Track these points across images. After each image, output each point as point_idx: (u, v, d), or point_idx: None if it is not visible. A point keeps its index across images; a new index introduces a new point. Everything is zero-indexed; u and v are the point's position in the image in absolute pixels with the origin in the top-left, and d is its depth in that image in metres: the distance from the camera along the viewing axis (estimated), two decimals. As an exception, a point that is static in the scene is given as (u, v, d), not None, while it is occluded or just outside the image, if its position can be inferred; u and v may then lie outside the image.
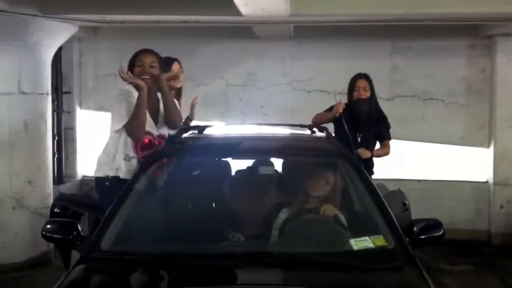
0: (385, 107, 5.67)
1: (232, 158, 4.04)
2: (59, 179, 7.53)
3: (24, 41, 5.97)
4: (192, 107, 4.96)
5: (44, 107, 6.27)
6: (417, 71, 7.50)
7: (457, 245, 6.63)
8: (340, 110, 5.23)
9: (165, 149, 4.03)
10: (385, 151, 5.43)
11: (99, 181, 4.22)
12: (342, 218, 3.39)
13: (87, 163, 7.52)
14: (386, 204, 3.30)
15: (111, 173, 4.13)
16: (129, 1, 5.63)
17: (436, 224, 3.23)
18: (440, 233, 3.21)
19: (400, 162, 7.11)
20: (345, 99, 5.53)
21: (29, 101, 6.08)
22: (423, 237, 3.16)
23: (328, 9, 5.80)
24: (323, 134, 4.30)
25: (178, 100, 4.76)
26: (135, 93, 4.09)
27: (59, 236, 3.23)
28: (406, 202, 4.77)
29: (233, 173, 4.19)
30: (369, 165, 5.20)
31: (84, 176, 7.87)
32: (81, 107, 7.94)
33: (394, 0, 5.73)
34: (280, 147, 3.92)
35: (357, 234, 3.14)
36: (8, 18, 5.64)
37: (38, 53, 6.16)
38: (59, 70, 7.54)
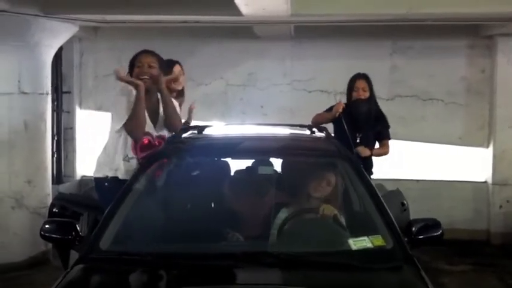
0: (385, 107, 5.67)
1: (232, 158, 4.05)
2: (58, 179, 7.53)
3: (25, 41, 5.97)
4: (190, 111, 4.97)
5: (44, 107, 6.27)
6: (417, 71, 7.50)
7: (456, 245, 6.63)
8: (340, 110, 5.23)
9: (164, 149, 4.03)
10: (384, 151, 5.43)
11: (98, 181, 4.23)
12: (341, 218, 3.40)
13: (87, 163, 7.51)
14: (385, 204, 3.31)
15: (110, 174, 4.13)
16: (129, 1, 5.64)
17: (434, 224, 3.24)
18: (439, 232, 3.22)
19: (399, 162, 7.11)
20: (345, 99, 5.53)
21: (28, 101, 6.08)
22: (422, 237, 3.16)
23: (328, 9, 5.80)
24: (322, 134, 4.30)
25: (181, 101, 4.77)
26: (135, 93, 4.10)
27: (58, 236, 3.24)
28: (405, 202, 4.77)
29: (232, 173, 4.19)
30: (368, 165, 5.20)
31: (83, 176, 7.86)
32: (81, 107, 7.94)
33: (394, 0, 5.73)
34: (280, 147, 3.92)
35: (356, 234, 3.14)
36: (9, 18, 5.64)
37: (38, 53, 6.17)
38: (59, 70, 7.54)
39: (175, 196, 3.80)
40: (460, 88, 7.51)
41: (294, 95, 7.66)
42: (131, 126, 4.06)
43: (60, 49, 6.99)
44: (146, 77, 4.13)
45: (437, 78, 7.48)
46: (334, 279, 2.83)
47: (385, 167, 6.29)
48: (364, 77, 5.37)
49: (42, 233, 3.22)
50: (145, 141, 4.14)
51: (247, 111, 7.66)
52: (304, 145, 4.11)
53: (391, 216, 3.23)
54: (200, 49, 7.56)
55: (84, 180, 7.72)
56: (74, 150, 7.86)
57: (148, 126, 4.15)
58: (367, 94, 5.33)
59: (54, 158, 7.34)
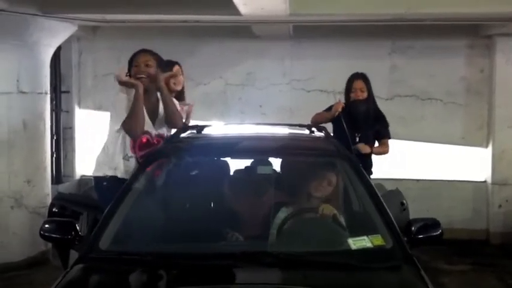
0: (384, 106, 5.67)
1: (231, 158, 4.04)
2: (57, 179, 7.53)
3: (24, 40, 5.97)
4: (188, 112, 4.97)
5: (43, 107, 6.27)
6: (416, 71, 7.51)
7: (455, 245, 6.64)
8: (340, 109, 5.23)
9: (163, 149, 4.03)
10: (383, 149, 5.43)
11: (98, 180, 4.23)
12: (341, 217, 3.40)
13: (86, 162, 7.51)
14: (384, 204, 3.31)
15: (109, 173, 4.13)
16: (129, 1, 5.63)
17: (434, 224, 3.24)
18: (438, 232, 3.22)
19: (399, 161, 7.11)
20: (343, 99, 5.52)
21: (27, 101, 6.08)
22: (421, 236, 3.16)
23: (327, 9, 5.80)
24: (322, 134, 4.30)
25: (183, 104, 4.78)
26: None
27: (57, 236, 3.24)
28: (404, 202, 4.78)
29: (232, 173, 4.19)
30: (368, 165, 5.20)
31: (82, 176, 7.86)
32: (80, 107, 7.93)
33: (394, 0, 5.73)
34: (279, 147, 3.92)
35: (355, 233, 3.14)
36: (7, 18, 5.63)
37: (37, 52, 6.16)
38: (58, 69, 7.54)
39: (175, 196, 3.80)
40: (460, 88, 7.51)
41: (293, 94, 7.66)
42: (130, 125, 4.06)
43: (59, 49, 6.98)
44: (143, 76, 4.13)
45: (436, 78, 7.49)
46: (334, 278, 2.84)
47: (385, 167, 6.29)
48: (362, 77, 5.36)
49: (41, 232, 3.22)
50: (144, 139, 4.13)
51: (246, 110, 7.66)
52: (303, 145, 4.11)
53: (391, 215, 3.23)
54: (199, 49, 7.56)
55: (83, 179, 7.72)
56: (73, 150, 7.86)
57: (148, 125, 4.15)
58: (365, 95, 5.32)
59: (54, 158, 7.33)
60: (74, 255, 3.31)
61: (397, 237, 3.07)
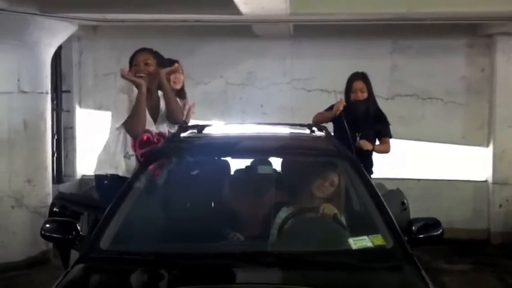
0: (384, 106, 5.66)
1: (231, 157, 4.04)
2: (58, 178, 7.53)
3: (24, 40, 5.97)
4: (188, 111, 4.96)
5: (44, 106, 6.27)
6: (417, 70, 7.50)
7: (456, 244, 6.63)
8: (341, 108, 5.21)
9: (164, 148, 4.03)
10: (385, 148, 5.41)
11: (99, 179, 4.23)
12: (341, 217, 3.40)
13: (87, 162, 7.51)
14: (385, 204, 3.30)
15: (110, 171, 4.14)
16: (129, 0, 5.63)
17: (434, 223, 3.24)
18: (439, 232, 3.22)
19: (400, 161, 7.11)
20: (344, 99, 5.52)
21: (28, 100, 6.08)
22: (422, 236, 3.16)
23: (327, 8, 5.80)
24: (322, 134, 4.30)
25: (184, 103, 4.78)
26: (136, 90, 4.10)
27: (58, 236, 3.24)
28: (405, 201, 4.78)
29: (232, 173, 4.19)
30: (368, 164, 5.19)
31: (83, 175, 7.86)
32: (80, 106, 7.93)
33: (394, 0, 5.73)
34: (279, 146, 3.92)
35: (356, 233, 3.14)
36: (7, 17, 5.63)
37: (38, 52, 6.16)
38: (58, 69, 7.53)
39: (175, 195, 3.80)
40: (460, 87, 7.51)
41: (293, 94, 7.66)
42: (131, 125, 4.06)
43: (60, 48, 6.98)
44: (143, 74, 4.13)
45: (437, 77, 7.48)
46: (334, 278, 2.84)
47: (386, 167, 6.29)
48: (362, 77, 5.34)
49: (42, 232, 3.23)
50: (144, 137, 4.14)
51: (247, 110, 7.65)
52: (304, 144, 4.10)
53: (391, 215, 3.23)
54: (200, 48, 7.56)
55: (84, 179, 7.72)
56: (74, 150, 7.86)
57: (149, 123, 4.16)
58: (365, 95, 5.30)
59: (54, 158, 7.33)
60: (74, 255, 3.31)
61: (397, 237, 3.07)
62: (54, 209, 4.46)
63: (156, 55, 4.27)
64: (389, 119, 5.47)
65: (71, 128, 7.84)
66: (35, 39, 6.06)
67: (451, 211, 7.11)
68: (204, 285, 2.73)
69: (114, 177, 4.10)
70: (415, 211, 4.53)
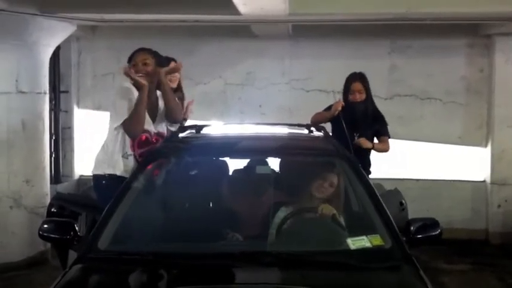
0: (383, 106, 5.67)
1: (230, 158, 4.04)
2: (56, 179, 7.51)
3: (23, 40, 5.96)
4: (187, 108, 4.96)
5: (42, 106, 6.26)
6: (416, 70, 7.50)
7: (455, 245, 6.63)
8: (339, 108, 5.22)
9: (162, 148, 4.03)
10: (383, 146, 5.41)
11: (97, 179, 4.22)
12: (340, 217, 3.40)
13: (85, 162, 7.50)
14: (383, 204, 3.30)
15: (108, 171, 4.14)
16: (128, 0, 5.62)
17: (433, 224, 3.23)
18: (437, 232, 3.21)
19: (398, 161, 7.11)
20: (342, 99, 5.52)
21: (27, 100, 6.07)
22: (420, 236, 3.16)
23: (326, 9, 5.80)
24: (321, 134, 4.30)
25: (181, 100, 4.77)
26: (135, 91, 4.10)
27: (56, 236, 3.24)
28: (403, 201, 4.77)
29: (231, 173, 4.18)
30: (366, 164, 5.19)
31: (81, 176, 7.85)
32: (79, 106, 7.92)
33: (394, 0, 5.73)
34: (278, 146, 3.92)
35: (354, 233, 3.14)
36: (7, 17, 5.63)
37: (37, 52, 6.15)
38: (57, 69, 7.52)
39: (174, 195, 3.80)
40: (459, 87, 7.51)
41: (292, 94, 7.65)
42: (130, 125, 4.06)
43: (58, 48, 6.97)
44: (141, 74, 4.13)
45: (436, 77, 7.48)
46: (333, 278, 2.84)
47: (384, 167, 6.28)
48: (360, 77, 5.34)
49: (40, 232, 3.22)
50: (143, 137, 4.14)
51: (246, 110, 7.65)
52: (302, 144, 4.11)
53: (390, 215, 3.23)
54: (199, 48, 7.55)
55: (82, 179, 7.71)
56: (72, 150, 7.84)
57: (147, 123, 4.16)
58: (363, 96, 5.30)
59: (53, 158, 7.32)
60: (72, 255, 3.31)
61: (396, 237, 3.07)
62: (52, 209, 4.46)
63: (155, 55, 4.26)
64: (388, 119, 5.48)
65: (69, 128, 7.82)
66: (34, 39, 6.06)
67: (450, 211, 7.12)
68: (203, 285, 2.73)
69: (112, 177, 4.09)
70: (414, 211, 4.53)
